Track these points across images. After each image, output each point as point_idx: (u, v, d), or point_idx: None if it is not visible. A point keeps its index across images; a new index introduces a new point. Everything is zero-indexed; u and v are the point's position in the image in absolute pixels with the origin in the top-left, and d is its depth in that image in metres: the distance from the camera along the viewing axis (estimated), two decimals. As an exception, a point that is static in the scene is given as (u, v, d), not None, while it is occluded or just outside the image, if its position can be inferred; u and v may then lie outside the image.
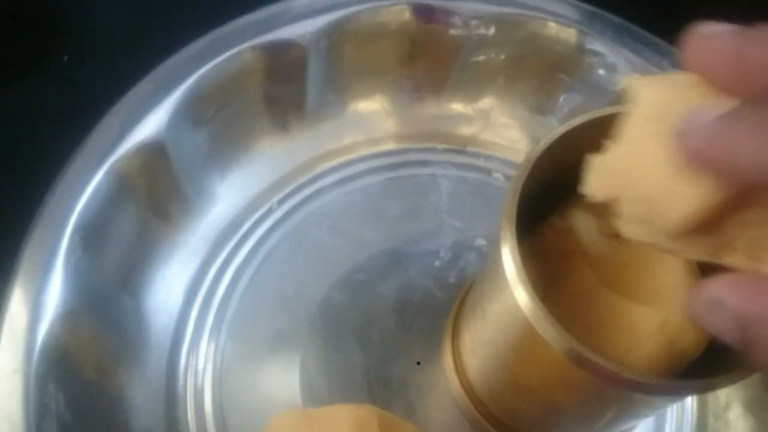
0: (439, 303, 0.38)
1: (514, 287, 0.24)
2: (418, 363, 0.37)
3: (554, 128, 0.26)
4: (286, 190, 0.41)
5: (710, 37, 0.19)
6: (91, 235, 0.34)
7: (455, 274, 0.39)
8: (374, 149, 0.42)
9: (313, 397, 0.36)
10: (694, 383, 0.23)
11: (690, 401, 0.38)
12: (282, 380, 0.36)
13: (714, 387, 0.23)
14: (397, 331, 0.38)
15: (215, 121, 0.38)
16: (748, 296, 0.19)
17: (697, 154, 0.19)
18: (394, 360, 0.37)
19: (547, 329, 0.23)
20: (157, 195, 0.37)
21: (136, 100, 0.36)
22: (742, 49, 0.19)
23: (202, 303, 0.38)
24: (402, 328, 0.38)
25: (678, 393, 0.25)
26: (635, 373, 0.23)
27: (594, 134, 0.25)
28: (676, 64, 0.39)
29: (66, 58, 0.43)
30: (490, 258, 0.28)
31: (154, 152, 0.35)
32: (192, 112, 0.37)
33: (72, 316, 0.32)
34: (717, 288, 0.19)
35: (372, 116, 0.43)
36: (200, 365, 0.36)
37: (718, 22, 0.19)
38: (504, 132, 0.43)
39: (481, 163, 0.43)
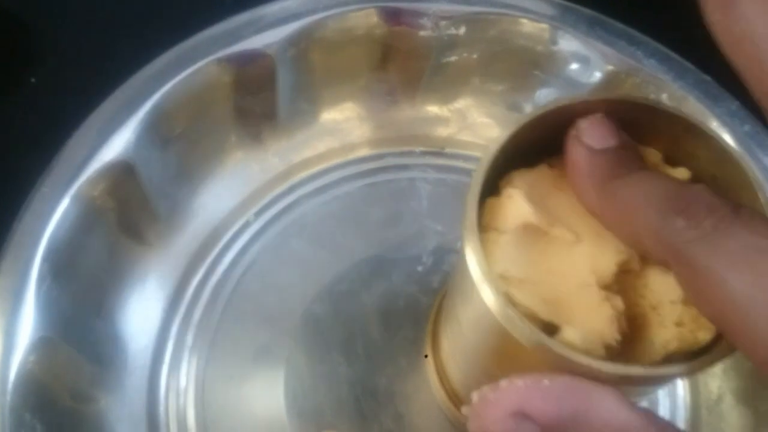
0: (424, 309, 0.37)
1: (480, 287, 0.23)
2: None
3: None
4: (263, 202, 0.40)
5: None
6: (61, 263, 0.33)
7: (439, 279, 0.39)
8: (350, 156, 0.42)
9: (299, 412, 0.35)
10: (675, 367, 0.23)
11: (682, 395, 0.37)
12: (267, 396, 0.36)
13: (693, 371, 0.22)
14: (382, 340, 0.37)
15: (184, 137, 0.38)
16: None
17: None
18: (380, 370, 0.36)
19: (517, 327, 0.22)
20: (128, 216, 0.36)
21: (101, 121, 0.35)
22: None
23: (181, 322, 0.37)
24: (387, 336, 0.37)
25: (661, 381, 0.24)
26: (609, 365, 0.22)
27: (548, 127, 0.25)
28: (650, 54, 0.39)
29: (33, 80, 0.42)
30: (458, 259, 0.27)
31: (123, 173, 0.35)
32: (159, 129, 0.36)
33: (46, 344, 0.32)
34: None
35: (346, 123, 0.42)
36: (182, 385, 0.36)
37: None
38: (481, 131, 0.42)
39: (460, 164, 0.42)
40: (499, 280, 0.23)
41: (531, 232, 0.24)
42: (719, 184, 0.25)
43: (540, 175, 0.26)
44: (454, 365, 0.32)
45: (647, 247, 0.22)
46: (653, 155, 0.26)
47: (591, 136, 0.24)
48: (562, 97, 0.25)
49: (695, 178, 0.25)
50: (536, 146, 0.26)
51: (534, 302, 0.23)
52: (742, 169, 0.24)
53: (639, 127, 0.26)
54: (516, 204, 0.24)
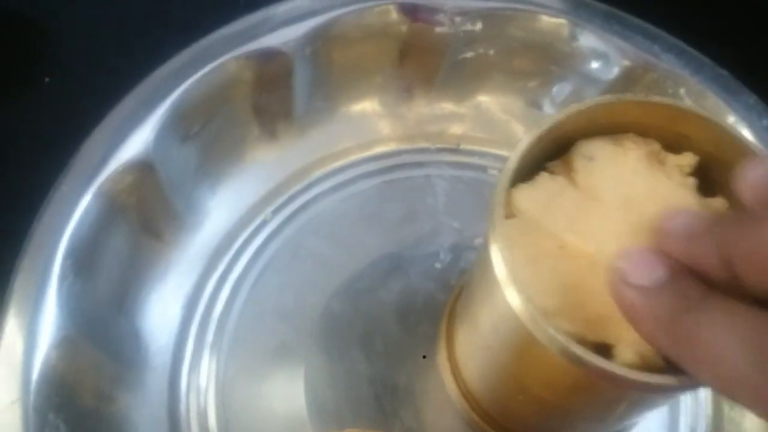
0: (442, 306, 0.37)
1: (505, 289, 0.23)
2: (424, 357, 0.36)
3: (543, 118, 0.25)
4: (280, 200, 0.40)
5: None
6: (83, 260, 0.33)
7: (456, 276, 0.38)
8: (367, 153, 0.42)
9: (319, 410, 0.35)
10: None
11: (704, 390, 0.37)
12: (287, 394, 0.36)
13: None
14: (400, 337, 0.37)
15: (203, 135, 0.38)
16: None
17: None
18: (399, 367, 0.36)
19: (542, 331, 0.22)
20: (147, 213, 0.36)
21: (120, 119, 0.35)
22: None
23: (200, 320, 0.37)
24: (405, 333, 0.37)
25: (681, 390, 0.24)
26: (638, 372, 0.21)
27: (574, 128, 0.26)
28: (667, 49, 0.39)
29: (47, 79, 0.42)
30: (479, 259, 0.27)
31: (142, 171, 0.35)
32: (178, 127, 0.36)
33: (68, 342, 0.32)
34: None
35: (363, 120, 0.42)
36: (202, 384, 0.36)
37: None
38: (498, 127, 0.42)
39: (475, 160, 0.42)
40: (541, 315, 0.22)
41: (552, 256, 0.24)
42: (717, 160, 0.25)
43: (543, 187, 0.25)
44: (470, 361, 0.32)
45: (737, 394, 0.19)
46: (653, 145, 0.26)
47: (637, 275, 0.21)
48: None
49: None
50: (535, 161, 0.26)
51: (579, 326, 0.23)
52: (737, 139, 0.25)
53: (637, 122, 0.26)
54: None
